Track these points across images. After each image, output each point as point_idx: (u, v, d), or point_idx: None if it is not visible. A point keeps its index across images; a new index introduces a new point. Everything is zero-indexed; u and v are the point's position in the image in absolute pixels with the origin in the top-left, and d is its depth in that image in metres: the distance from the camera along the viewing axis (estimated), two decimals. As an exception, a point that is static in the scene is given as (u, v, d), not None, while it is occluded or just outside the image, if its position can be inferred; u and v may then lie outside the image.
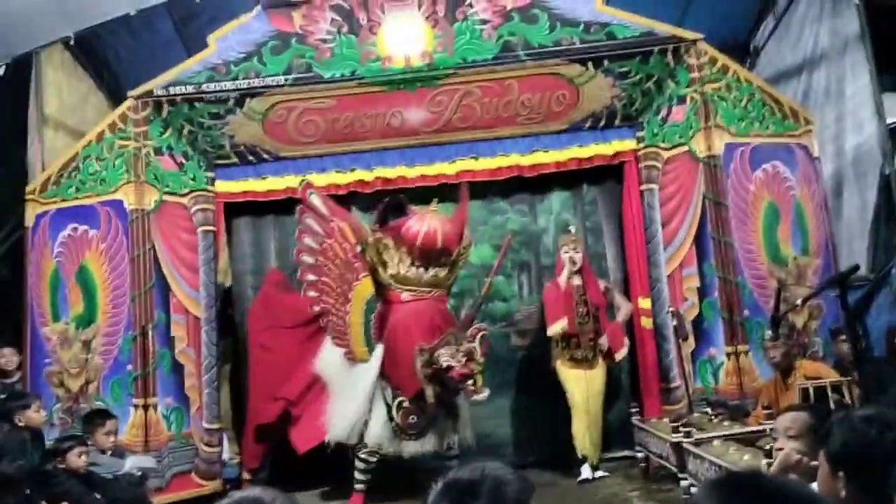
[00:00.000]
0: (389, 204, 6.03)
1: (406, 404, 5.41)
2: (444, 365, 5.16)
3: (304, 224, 6.04)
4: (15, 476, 4.48)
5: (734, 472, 1.33)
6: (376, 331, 5.75)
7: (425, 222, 5.50)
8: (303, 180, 6.31)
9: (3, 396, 5.71)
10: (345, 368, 5.74)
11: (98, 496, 4.92)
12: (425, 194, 6.60)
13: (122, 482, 5.23)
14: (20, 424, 5.18)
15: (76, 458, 4.96)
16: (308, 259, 6.00)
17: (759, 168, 6.27)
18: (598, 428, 5.88)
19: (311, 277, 5.97)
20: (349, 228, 5.92)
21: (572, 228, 6.30)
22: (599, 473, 5.82)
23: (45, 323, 6.11)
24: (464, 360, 5.15)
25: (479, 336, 5.39)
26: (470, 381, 5.31)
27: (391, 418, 5.43)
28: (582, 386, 5.87)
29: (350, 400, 5.51)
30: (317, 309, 5.90)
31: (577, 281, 5.97)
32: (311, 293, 5.95)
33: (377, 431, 5.43)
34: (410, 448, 5.49)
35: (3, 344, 6.10)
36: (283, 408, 5.82)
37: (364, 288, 5.87)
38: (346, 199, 6.53)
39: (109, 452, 5.41)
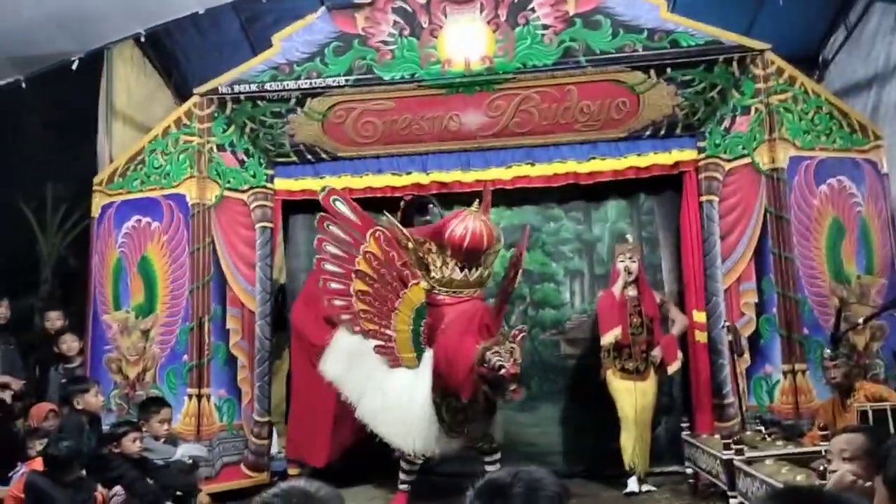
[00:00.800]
0: (413, 203, 6.03)
1: (455, 404, 5.37)
2: (497, 365, 5.14)
3: (329, 232, 5.56)
4: (62, 457, 4.62)
5: (795, 486, 1.30)
6: (425, 336, 5.52)
7: (468, 223, 5.45)
8: (324, 187, 5.81)
9: (64, 381, 5.92)
10: (381, 372, 5.52)
11: (150, 481, 5.06)
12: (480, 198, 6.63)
13: (174, 469, 5.37)
14: (79, 408, 5.36)
15: (131, 444, 5.10)
16: (332, 267, 5.56)
17: (825, 182, 6.10)
18: (646, 441, 5.80)
19: (336, 286, 5.55)
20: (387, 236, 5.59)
21: (629, 237, 6.21)
22: (647, 487, 5.73)
23: (106, 311, 6.30)
24: (511, 360, 5.13)
25: (519, 337, 5.35)
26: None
27: (441, 419, 5.39)
28: (632, 398, 5.78)
29: (403, 406, 5.39)
30: (345, 317, 5.56)
31: (631, 291, 5.90)
32: (338, 302, 5.56)
33: (428, 433, 5.38)
34: (453, 445, 5.48)
35: (66, 330, 6.33)
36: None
37: (415, 295, 5.47)
38: (371, 202, 6.34)
39: (163, 440, 5.56)
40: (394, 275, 5.47)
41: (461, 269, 5.51)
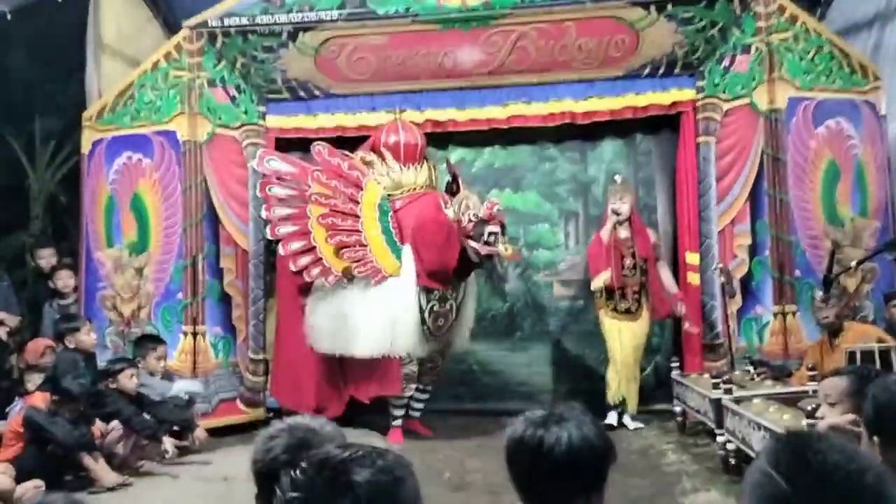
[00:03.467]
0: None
1: (436, 308, 5.55)
2: (472, 215, 5.30)
3: (272, 195, 5.56)
4: (76, 392, 4.70)
5: (794, 431, 1.32)
6: (397, 233, 5.57)
7: (400, 129, 5.89)
8: (257, 150, 5.93)
9: (58, 317, 5.94)
10: (365, 296, 5.51)
11: (147, 416, 5.13)
12: (475, 138, 6.58)
13: (171, 404, 5.45)
14: (71, 346, 5.40)
15: (127, 380, 5.17)
16: (283, 211, 5.55)
17: (822, 124, 6.07)
18: (634, 380, 5.90)
19: (290, 228, 5.53)
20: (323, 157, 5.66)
21: (618, 178, 6.18)
22: (635, 424, 5.85)
23: (99, 248, 6.28)
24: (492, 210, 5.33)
25: (494, 209, 5.39)
26: (501, 248, 5.34)
27: (423, 321, 5.51)
28: (622, 337, 5.88)
29: (391, 314, 5.44)
30: (304, 261, 5.50)
31: (623, 233, 5.90)
32: (295, 244, 5.52)
33: (408, 337, 5.48)
34: (429, 346, 5.66)
35: (61, 267, 6.32)
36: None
37: (371, 193, 5.54)
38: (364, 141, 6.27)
39: (159, 376, 5.62)
40: (346, 182, 5.57)
41: (406, 168, 5.77)
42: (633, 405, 5.89)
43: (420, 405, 6.00)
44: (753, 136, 6.01)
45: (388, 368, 5.58)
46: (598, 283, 5.89)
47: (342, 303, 5.55)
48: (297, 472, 1.16)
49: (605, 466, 1.61)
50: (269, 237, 5.73)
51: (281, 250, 5.63)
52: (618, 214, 5.89)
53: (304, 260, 5.53)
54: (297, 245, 5.54)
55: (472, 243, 5.30)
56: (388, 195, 5.69)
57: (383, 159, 5.82)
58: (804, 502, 1.14)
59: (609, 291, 5.90)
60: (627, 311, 5.89)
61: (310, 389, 5.84)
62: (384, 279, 5.48)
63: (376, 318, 5.43)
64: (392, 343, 5.44)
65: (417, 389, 5.83)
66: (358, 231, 5.50)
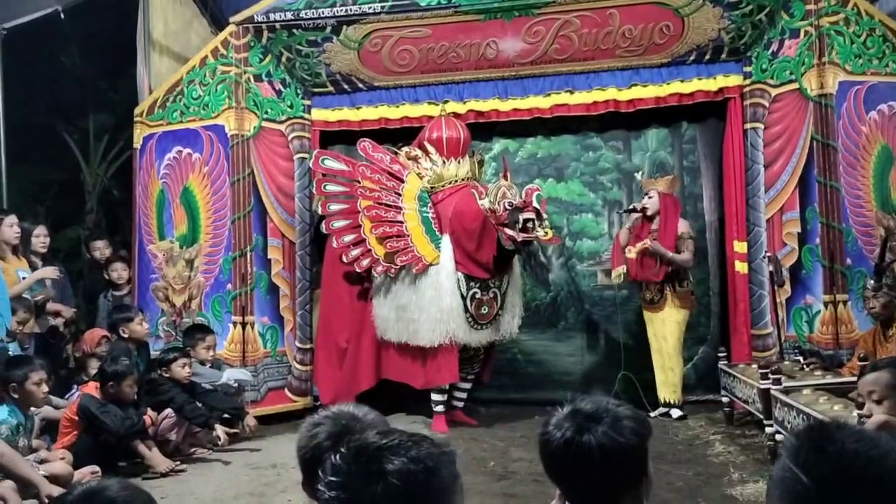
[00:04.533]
0: None
1: (478, 295, 5.64)
2: (506, 204, 5.36)
3: (326, 192, 6.00)
4: (127, 371, 4.88)
5: (820, 421, 1.32)
6: (436, 223, 5.80)
7: (444, 125, 6.00)
8: (314, 152, 6.26)
9: (112, 308, 6.12)
10: (412, 286, 5.75)
11: (199, 404, 5.26)
12: (518, 128, 6.57)
13: (221, 392, 5.58)
14: (125, 336, 5.56)
15: (180, 369, 5.31)
16: (336, 206, 5.94)
17: (875, 109, 5.91)
18: (670, 370, 5.85)
19: (342, 223, 5.90)
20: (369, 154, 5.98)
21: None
22: (677, 413, 5.80)
23: (151, 241, 6.45)
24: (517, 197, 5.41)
25: (534, 196, 5.44)
26: (542, 232, 5.39)
27: (465, 308, 5.61)
28: (652, 327, 5.95)
29: (438, 298, 5.61)
30: (365, 263, 5.82)
31: (654, 225, 5.89)
32: (347, 237, 5.88)
33: (453, 323, 5.58)
34: (478, 337, 5.72)
35: (116, 259, 6.51)
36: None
37: (412, 185, 5.85)
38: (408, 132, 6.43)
39: (209, 365, 5.75)
40: (389, 175, 5.84)
41: (449, 162, 5.89)
42: (668, 394, 5.86)
43: (463, 395, 6.05)
44: (803, 122, 5.89)
45: (447, 356, 5.68)
46: (613, 276, 6.07)
47: (399, 294, 5.81)
48: (337, 457, 1.20)
49: (642, 462, 1.57)
50: (324, 231, 6.03)
51: (334, 243, 5.93)
52: (643, 211, 5.93)
53: (355, 252, 5.87)
54: (348, 238, 5.88)
55: (508, 231, 5.35)
56: (431, 187, 5.87)
57: (427, 154, 5.94)
58: (827, 495, 1.14)
59: (638, 283, 5.98)
60: (651, 302, 5.91)
61: (348, 377, 6.02)
62: (425, 268, 5.69)
63: (427, 307, 5.62)
64: (447, 330, 5.57)
65: (459, 380, 5.86)
66: (400, 222, 5.76)
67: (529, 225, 5.32)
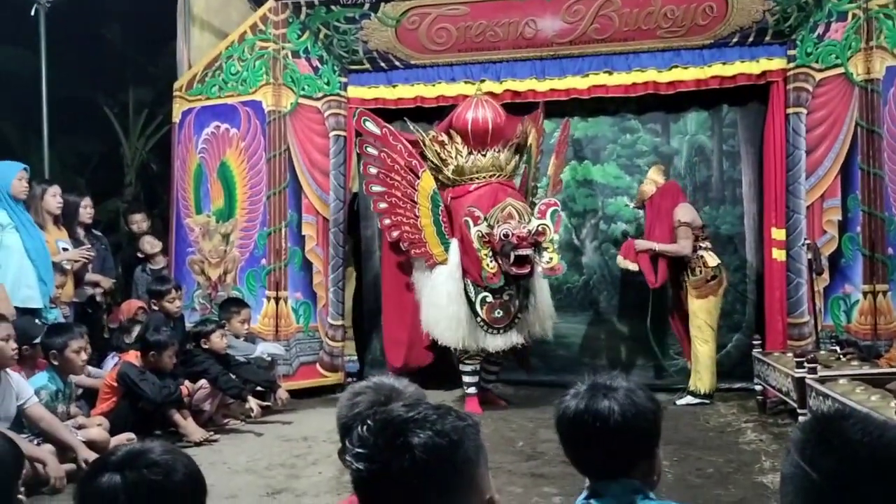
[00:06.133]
0: None
1: (490, 299, 5.54)
2: (502, 234, 5.24)
3: (366, 154, 5.97)
4: (168, 342, 4.99)
5: (826, 413, 1.32)
6: (447, 226, 5.73)
7: (472, 109, 5.73)
8: (357, 110, 6.16)
9: (150, 279, 6.23)
10: (427, 277, 5.81)
11: (232, 376, 5.34)
12: (555, 108, 6.50)
13: (255, 365, 5.66)
14: (156, 309, 5.67)
15: (218, 340, 5.40)
16: (377, 188, 5.92)
17: (923, 95, 5.76)
18: (695, 357, 5.76)
19: (382, 205, 5.90)
20: (394, 133, 5.92)
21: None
22: (689, 400, 5.73)
23: (188, 214, 6.53)
24: (527, 231, 5.25)
25: (549, 211, 5.37)
26: (546, 257, 5.35)
27: (475, 314, 5.55)
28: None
29: (447, 305, 5.57)
30: (395, 234, 5.87)
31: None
32: (387, 221, 5.92)
33: (462, 329, 5.53)
34: (497, 342, 5.59)
35: (148, 232, 6.60)
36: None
37: (426, 183, 5.77)
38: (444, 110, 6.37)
39: (243, 338, 5.83)
40: (406, 169, 5.77)
41: (475, 154, 5.74)
42: (693, 381, 5.80)
43: (491, 377, 6.03)
44: (847, 107, 5.76)
45: (417, 340, 5.86)
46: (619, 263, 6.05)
47: (421, 285, 5.90)
48: (364, 428, 1.21)
49: (656, 431, 1.65)
50: (366, 193, 6.15)
51: (371, 207, 6.11)
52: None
53: (387, 221, 5.94)
54: (383, 205, 5.92)
55: (501, 261, 5.33)
56: (452, 180, 5.82)
57: (452, 140, 5.84)
58: (835, 486, 1.13)
59: None
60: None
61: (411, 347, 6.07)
62: (435, 265, 5.70)
63: (445, 306, 5.60)
64: (460, 337, 5.54)
65: (487, 361, 5.83)
66: (415, 216, 5.76)
67: (525, 255, 5.25)
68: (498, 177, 5.78)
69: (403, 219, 5.78)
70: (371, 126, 5.95)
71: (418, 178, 5.78)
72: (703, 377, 5.77)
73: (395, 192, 5.82)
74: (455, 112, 5.88)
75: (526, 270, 5.37)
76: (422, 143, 5.92)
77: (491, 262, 5.38)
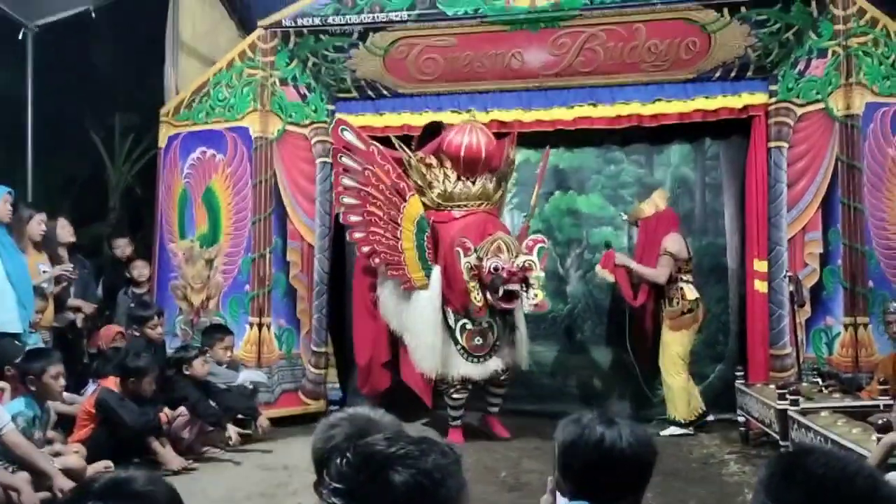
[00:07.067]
0: (427, 128, 6.06)
1: (469, 326, 5.51)
2: (492, 267, 5.19)
3: (342, 164, 5.70)
4: (148, 368, 4.93)
5: (802, 447, 1.34)
6: (430, 252, 5.61)
7: (466, 134, 5.59)
8: (334, 118, 6.07)
9: (132, 304, 6.18)
10: (402, 300, 5.68)
11: (212, 403, 5.29)
12: (540, 139, 6.56)
13: (236, 393, 5.60)
14: (137, 335, 5.62)
15: (201, 367, 5.35)
16: (349, 200, 5.70)
17: (902, 131, 5.86)
18: (668, 386, 5.85)
19: (354, 218, 5.70)
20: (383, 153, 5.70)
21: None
22: (672, 430, 5.76)
23: (172, 239, 6.50)
24: (515, 266, 5.21)
25: (536, 248, 5.37)
26: (532, 293, 5.30)
27: (455, 341, 5.51)
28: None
29: (424, 332, 5.51)
30: (366, 249, 5.70)
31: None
32: (358, 234, 5.71)
33: (438, 357, 5.48)
34: (476, 371, 5.55)
35: (137, 257, 6.57)
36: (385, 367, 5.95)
37: (413, 208, 5.56)
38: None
39: (225, 365, 5.78)
40: (392, 190, 5.58)
41: (463, 181, 5.66)
42: (669, 409, 5.85)
43: (497, 400, 5.87)
44: (828, 142, 5.85)
45: (372, 367, 5.84)
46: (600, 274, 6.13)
47: (389, 305, 5.82)
48: (343, 462, 1.18)
49: (651, 467, 1.71)
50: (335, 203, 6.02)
51: (340, 219, 5.94)
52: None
53: (359, 234, 5.74)
54: (355, 218, 5.73)
55: (489, 294, 5.30)
56: (438, 203, 5.72)
57: (442, 164, 5.75)
58: None
59: None
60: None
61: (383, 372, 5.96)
62: (413, 288, 5.60)
63: (420, 333, 5.55)
64: (437, 366, 5.50)
65: (492, 384, 5.73)
66: (396, 238, 5.61)
67: (514, 291, 5.24)
68: (485, 206, 5.76)
69: (382, 238, 5.61)
70: (351, 138, 5.70)
71: (405, 200, 5.59)
72: (678, 407, 5.83)
73: (373, 210, 5.60)
74: (445, 136, 5.76)
75: (513, 305, 5.36)
76: (406, 163, 5.78)
77: (479, 294, 5.34)
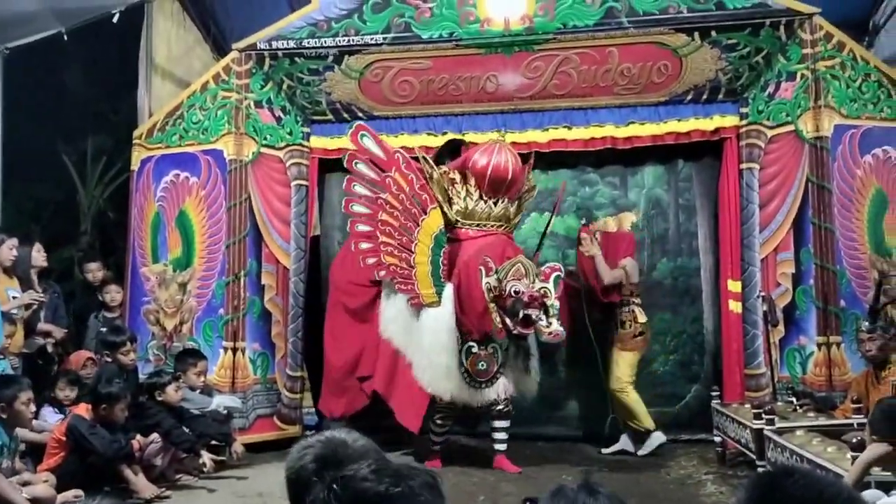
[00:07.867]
0: (447, 145, 6.05)
1: (475, 349, 5.38)
2: (513, 290, 5.12)
3: (356, 171, 5.57)
4: (120, 394, 4.85)
5: (781, 467, 1.33)
6: (445, 270, 5.48)
7: (494, 154, 5.49)
8: (353, 124, 5.87)
9: (103, 329, 6.08)
10: (412, 317, 5.54)
11: (186, 430, 5.20)
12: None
13: (209, 419, 5.52)
14: (110, 361, 5.52)
15: (174, 392, 5.27)
16: (360, 209, 5.58)
17: (869, 153, 5.97)
18: (620, 405, 5.92)
19: (362, 228, 5.58)
20: (408, 161, 5.58)
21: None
22: (650, 445, 5.80)
23: (145, 263, 6.42)
24: (537, 291, 5.15)
25: (553, 276, 5.33)
26: (547, 322, 5.18)
27: (460, 363, 5.37)
28: None
29: (437, 353, 5.36)
30: (371, 261, 5.54)
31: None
32: (365, 245, 5.57)
33: (453, 381, 5.37)
34: (479, 397, 5.43)
35: (110, 281, 6.47)
36: (366, 384, 5.79)
37: (433, 221, 5.44)
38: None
39: (199, 391, 5.70)
40: (412, 200, 5.47)
41: (485, 201, 5.55)
42: (637, 424, 5.88)
43: (501, 435, 5.59)
44: (798, 164, 5.94)
45: (349, 382, 5.78)
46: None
47: (392, 321, 5.70)
48: (331, 496, 1.16)
49: None
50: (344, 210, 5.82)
51: (347, 228, 5.82)
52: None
53: (365, 245, 5.60)
54: (363, 228, 5.60)
55: (506, 318, 5.19)
56: (456, 221, 5.60)
57: (465, 182, 5.60)
58: None
59: None
60: None
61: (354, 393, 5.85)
62: (420, 305, 5.50)
63: (427, 350, 5.43)
64: (445, 388, 5.38)
65: (494, 417, 5.56)
66: (410, 251, 5.50)
67: (532, 316, 5.14)
68: (504, 228, 5.69)
69: (393, 249, 5.47)
70: (371, 144, 5.61)
71: (425, 213, 5.45)
72: (639, 419, 5.87)
73: (386, 219, 5.47)
74: (471, 154, 5.60)
75: (530, 331, 5.26)
76: (428, 177, 5.58)
77: (497, 316, 5.23)
